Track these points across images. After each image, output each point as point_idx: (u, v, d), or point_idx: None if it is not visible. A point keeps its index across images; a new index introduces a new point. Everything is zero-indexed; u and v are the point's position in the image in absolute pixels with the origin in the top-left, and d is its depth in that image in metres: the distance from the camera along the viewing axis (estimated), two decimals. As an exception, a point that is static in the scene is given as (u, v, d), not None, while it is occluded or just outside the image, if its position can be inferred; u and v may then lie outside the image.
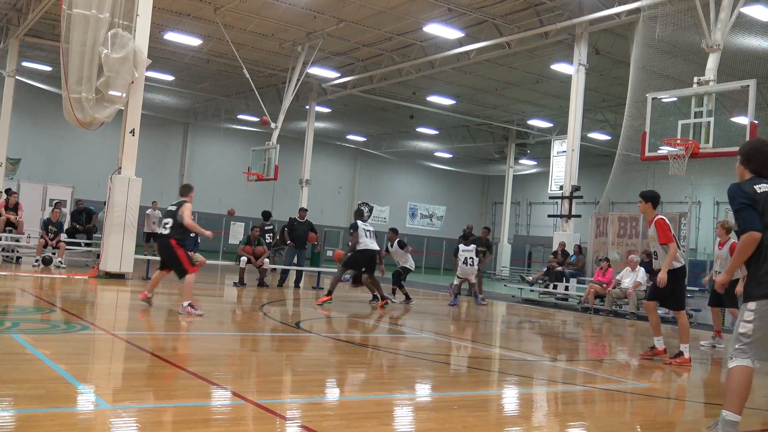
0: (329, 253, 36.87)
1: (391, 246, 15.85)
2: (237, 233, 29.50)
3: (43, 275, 15.03)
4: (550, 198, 28.74)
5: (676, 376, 8.32)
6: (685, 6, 15.33)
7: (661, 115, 15.20)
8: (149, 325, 9.27)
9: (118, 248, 14.93)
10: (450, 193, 45.35)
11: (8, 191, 19.66)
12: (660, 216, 8.68)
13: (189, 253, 15.73)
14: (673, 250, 8.32)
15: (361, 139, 40.70)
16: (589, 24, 19.39)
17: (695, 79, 14.30)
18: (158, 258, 10.82)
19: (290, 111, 26.38)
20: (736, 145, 13.54)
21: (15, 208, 18.61)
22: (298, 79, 24.97)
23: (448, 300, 16.32)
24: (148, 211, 21.41)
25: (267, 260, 16.47)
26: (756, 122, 13.33)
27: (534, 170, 40.29)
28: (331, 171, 41.30)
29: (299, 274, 17.68)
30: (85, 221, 19.88)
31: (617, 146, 18.85)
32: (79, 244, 19.58)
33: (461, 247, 16.31)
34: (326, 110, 33.19)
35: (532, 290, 20.37)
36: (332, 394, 5.83)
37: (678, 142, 14.11)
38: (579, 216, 20.67)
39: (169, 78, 29.96)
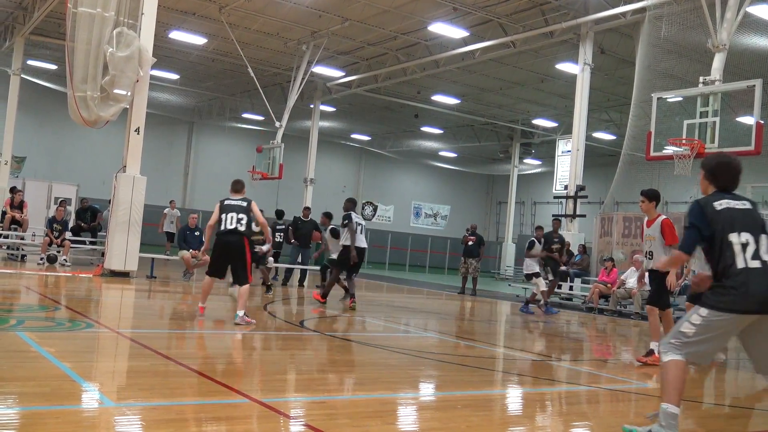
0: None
1: (324, 231, 14.69)
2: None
3: (47, 273, 15.07)
4: (555, 198, 28.70)
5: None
6: (691, 5, 15.29)
7: (666, 114, 15.17)
8: (153, 324, 9.28)
9: (123, 246, 14.95)
10: (454, 193, 45.32)
11: (13, 189, 19.72)
12: (665, 216, 8.64)
13: (192, 251, 15.85)
14: (677, 251, 8.31)
15: (366, 138, 40.69)
16: (595, 23, 19.35)
17: (701, 79, 14.26)
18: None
19: (295, 110, 26.39)
20: (742, 146, 13.59)
21: (20, 206, 18.67)
22: (302, 78, 24.98)
23: (463, 300, 16.13)
24: (166, 210, 21.31)
25: (271, 259, 16.48)
26: (762, 122, 13.30)
27: (539, 170, 40.23)
28: (335, 170, 41.30)
29: (303, 273, 17.71)
30: (90, 219, 19.93)
31: (622, 146, 18.82)
32: (83, 243, 19.63)
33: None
34: (331, 109, 33.19)
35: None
36: (336, 392, 5.83)
37: (683, 142, 14.09)
38: (584, 216, 20.64)
39: (174, 77, 29.99)
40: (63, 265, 17.23)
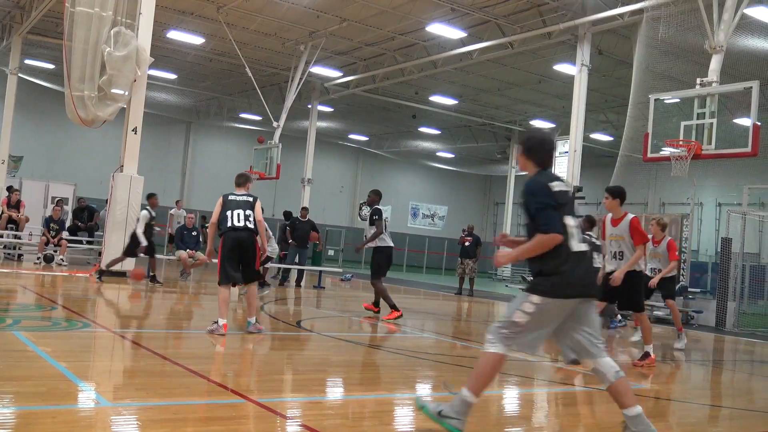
0: (330, 252, 36.92)
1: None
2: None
3: (44, 273, 15.05)
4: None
5: (677, 378, 8.32)
6: (689, 7, 15.31)
7: (663, 116, 15.18)
8: (150, 323, 9.27)
9: (120, 246, 14.93)
10: (452, 193, 45.33)
11: (10, 189, 19.69)
12: (633, 214, 8.41)
13: (189, 251, 15.83)
14: (641, 251, 8.20)
15: (363, 138, 40.69)
16: (592, 24, 19.36)
17: (698, 81, 14.27)
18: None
19: (292, 110, 26.37)
20: (739, 147, 13.62)
21: (17, 205, 18.64)
22: (300, 78, 24.97)
23: (460, 301, 16.04)
24: (173, 211, 21.17)
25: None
26: (759, 124, 13.32)
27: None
28: (333, 170, 41.30)
29: (300, 273, 17.70)
30: (87, 219, 19.90)
31: (619, 147, 18.81)
32: (80, 242, 19.60)
33: None
34: (328, 109, 33.19)
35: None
36: (333, 393, 5.83)
37: (680, 143, 14.10)
38: (581, 217, 20.63)
39: (172, 76, 29.96)
40: (60, 264, 17.21)
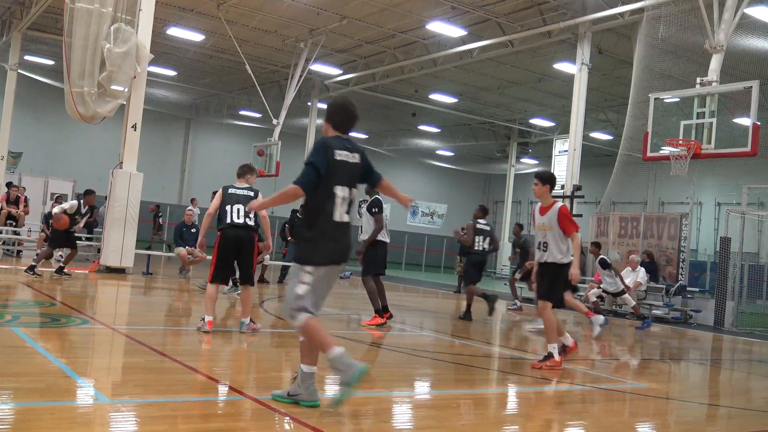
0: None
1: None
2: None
3: (43, 269, 15.04)
4: (552, 197, 28.73)
5: (673, 377, 8.32)
6: (689, 6, 15.32)
7: (663, 115, 15.20)
8: (149, 320, 9.27)
9: (119, 243, 14.95)
10: (451, 192, 45.33)
11: (9, 185, 19.67)
12: (561, 203, 7.82)
13: (188, 248, 15.81)
14: (578, 240, 7.49)
15: (363, 136, 40.64)
16: (592, 23, 19.37)
17: (698, 80, 14.29)
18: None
19: (292, 107, 26.36)
20: (739, 147, 13.63)
21: (16, 201, 18.61)
22: (300, 76, 24.96)
23: (459, 299, 15.77)
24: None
25: (267, 256, 16.47)
26: (758, 123, 13.33)
27: (536, 169, 40.26)
28: (332, 168, 41.27)
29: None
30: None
31: (619, 146, 18.84)
32: (79, 239, 19.57)
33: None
34: (328, 107, 33.18)
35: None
36: (331, 390, 5.83)
37: (680, 142, 14.11)
38: (580, 216, 20.59)
39: (172, 73, 29.95)
40: (59, 261, 17.19)
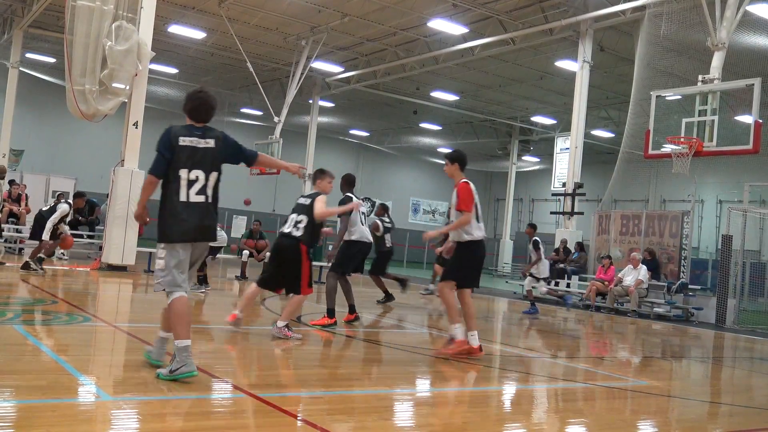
0: (331, 248, 36.91)
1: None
2: (239, 226, 29.51)
3: (45, 267, 15.05)
4: (553, 195, 28.72)
5: (674, 374, 8.31)
6: (691, 3, 15.29)
7: (665, 113, 15.18)
8: (151, 318, 9.27)
9: (121, 241, 14.95)
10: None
11: (12, 182, 19.67)
12: (465, 180, 7.73)
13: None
14: (466, 218, 7.39)
15: (364, 134, 40.67)
16: (594, 21, 19.34)
17: (700, 77, 14.27)
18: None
19: (293, 105, 26.37)
20: (740, 144, 13.61)
21: (18, 199, 18.61)
22: (301, 74, 24.96)
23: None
24: None
25: (269, 254, 16.46)
26: (760, 121, 13.31)
27: (537, 167, 40.24)
28: (333, 166, 40.61)
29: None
30: (88, 213, 19.88)
31: (621, 144, 18.83)
32: (81, 236, 19.59)
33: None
34: (329, 105, 33.17)
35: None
36: (333, 388, 5.83)
37: (682, 140, 14.10)
38: (581, 213, 20.67)
39: (173, 71, 29.96)
40: (60, 258, 17.21)
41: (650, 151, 14.97)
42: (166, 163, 5.05)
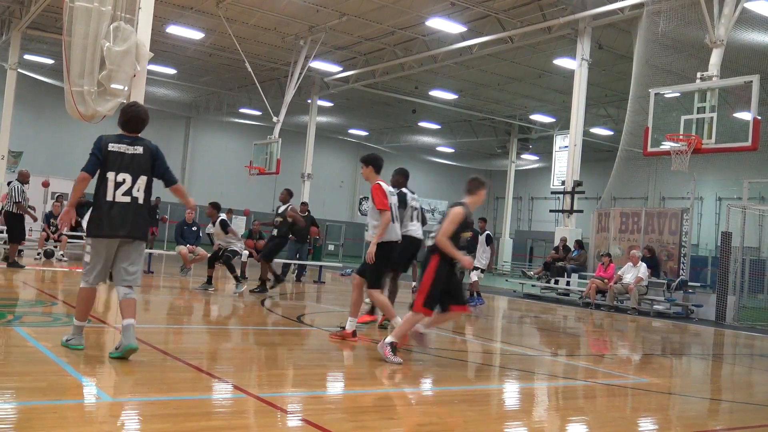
0: (331, 247, 36.90)
1: (213, 225, 13.36)
2: (238, 227, 29.54)
3: (44, 268, 15.04)
4: (552, 193, 28.75)
5: (674, 372, 8.32)
6: (689, 1, 15.30)
7: (663, 110, 15.19)
8: (151, 319, 9.27)
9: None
10: (452, 188, 45.29)
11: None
12: (379, 181, 7.73)
13: (189, 246, 15.79)
14: (387, 217, 7.45)
15: (363, 133, 40.67)
16: (593, 19, 19.35)
17: (698, 75, 14.28)
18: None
19: (292, 105, 26.37)
20: (739, 141, 13.62)
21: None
22: (300, 73, 24.96)
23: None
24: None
25: (246, 252, 16.43)
26: (759, 118, 13.32)
27: (536, 165, 40.26)
28: (332, 165, 41.28)
29: (301, 268, 17.75)
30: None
31: (619, 142, 18.84)
32: (80, 238, 19.58)
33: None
34: (328, 104, 33.17)
35: (533, 285, 20.39)
36: (333, 387, 5.83)
37: (680, 137, 14.10)
38: (581, 211, 20.67)
39: (172, 71, 29.95)
40: (60, 260, 17.21)
41: (649, 149, 14.98)
42: (97, 162, 5.63)
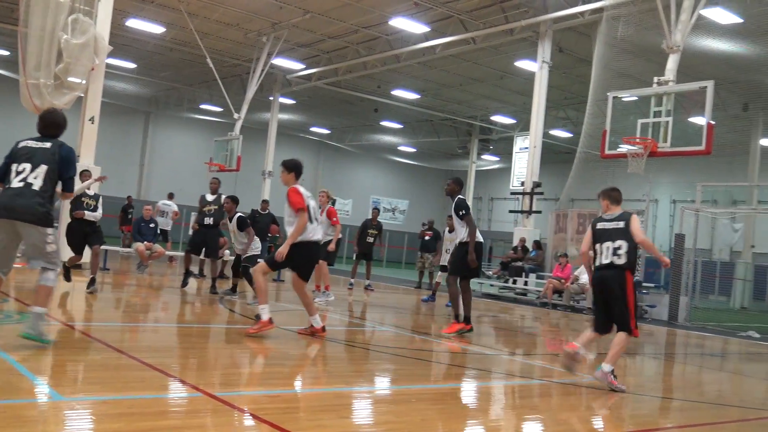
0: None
1: (230, 222, 12.26)
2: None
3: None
4: (512, 194, 28.99)
5: (628, 371, 8.46)
6: (647, 7, 15.57)
7: (621, 113, 15.44)
8: (106, 317, 9.14)
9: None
10: (412, 188, 45.50)
11: None
12: (295, 186, 7.93)
13: (146, 243, 15.57)
14: (304, 218, 7.61)
15: (325, 131, 40.57)
16: (553, 22, 19.58)
17: (655, 79, 14.54)
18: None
19: (254, 102, 26.19)
20: (694, 145, 13.90)
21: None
22: (262, 70, 24.80)
23: (419, 294, 16.15)
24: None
25: (228, 251, 16.33)
26: (713, 123, 13.62)
27: (496, 166, 40.59)
28: (294, 163, 41.04)
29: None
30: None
31: (578, 144, 19.09)
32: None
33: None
34: (290, 102, 33.02)
35: (491, 285, 20.56)
36: (291, 386, 5.82)
37: (637, 140, 14.35)
38: (539, 212, 20.91)
39: (131, 65, 29.50)
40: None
41: (607, 151, 15.21)
42: (4, 165, 5.98)
